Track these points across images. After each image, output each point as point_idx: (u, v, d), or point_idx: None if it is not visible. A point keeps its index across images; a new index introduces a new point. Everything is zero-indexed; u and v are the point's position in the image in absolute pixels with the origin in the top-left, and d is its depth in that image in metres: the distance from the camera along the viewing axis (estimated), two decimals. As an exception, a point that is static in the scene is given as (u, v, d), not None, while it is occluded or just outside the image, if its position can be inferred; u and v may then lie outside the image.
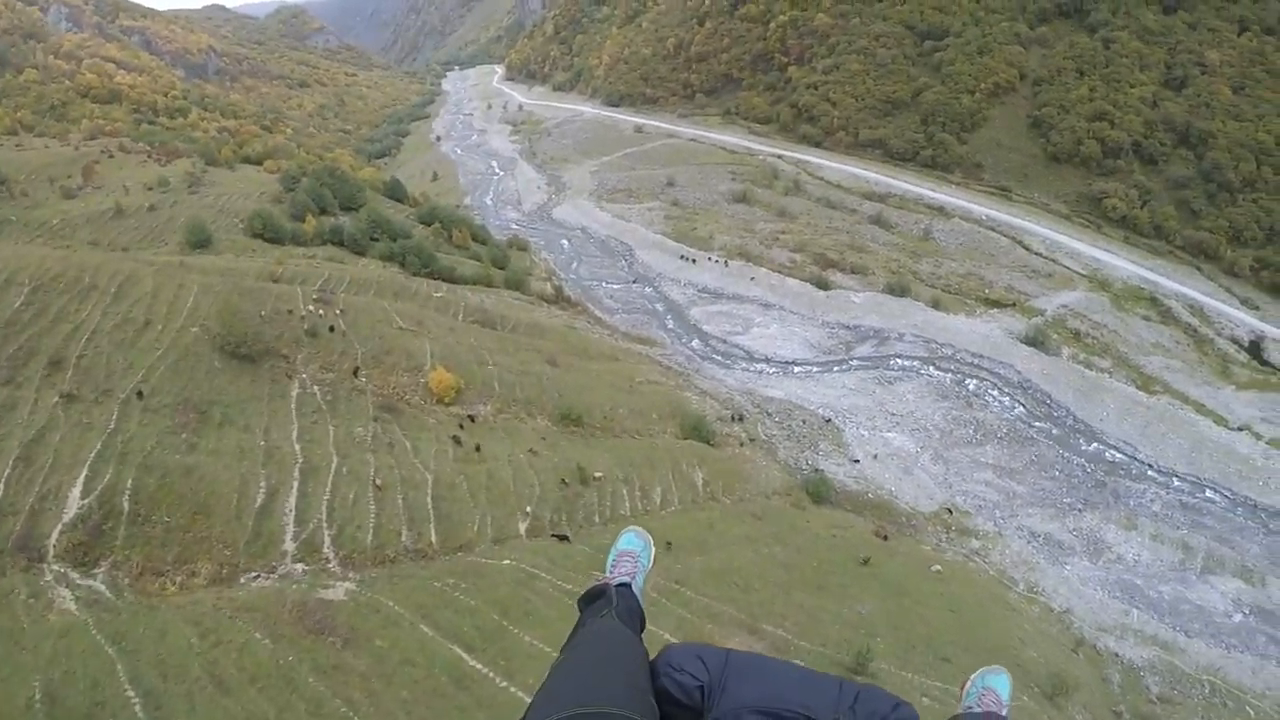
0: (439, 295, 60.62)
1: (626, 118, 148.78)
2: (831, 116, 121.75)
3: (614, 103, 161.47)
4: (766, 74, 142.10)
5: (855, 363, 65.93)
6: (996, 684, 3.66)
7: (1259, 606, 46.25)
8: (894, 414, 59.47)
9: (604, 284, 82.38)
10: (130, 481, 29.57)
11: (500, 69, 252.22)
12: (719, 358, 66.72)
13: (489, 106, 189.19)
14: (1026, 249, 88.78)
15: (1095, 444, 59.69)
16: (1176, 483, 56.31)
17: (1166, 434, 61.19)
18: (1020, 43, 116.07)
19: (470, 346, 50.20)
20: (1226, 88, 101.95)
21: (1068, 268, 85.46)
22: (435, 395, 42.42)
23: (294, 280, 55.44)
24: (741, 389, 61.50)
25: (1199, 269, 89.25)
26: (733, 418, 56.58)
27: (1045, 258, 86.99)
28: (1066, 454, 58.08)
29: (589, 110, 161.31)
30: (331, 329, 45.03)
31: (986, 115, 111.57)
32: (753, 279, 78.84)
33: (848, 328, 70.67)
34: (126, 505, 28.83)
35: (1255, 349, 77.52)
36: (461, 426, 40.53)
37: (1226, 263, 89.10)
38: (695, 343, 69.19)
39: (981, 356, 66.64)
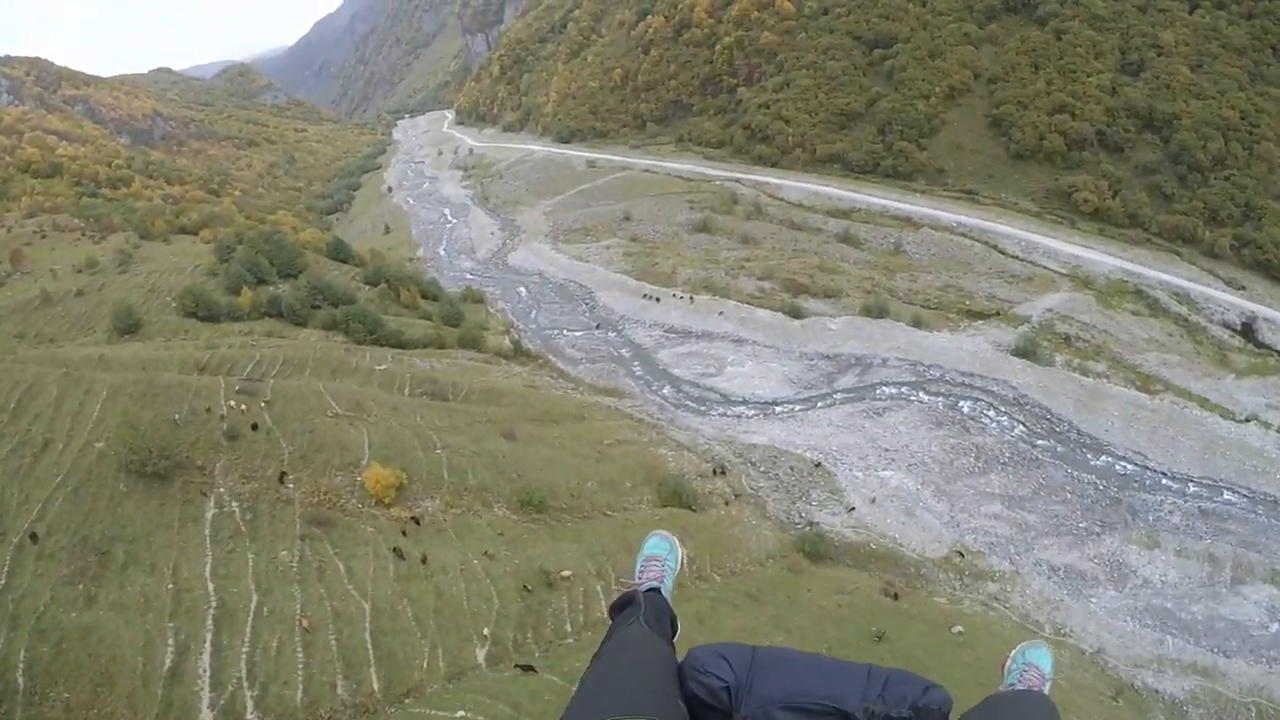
0: (382, 369, 55.75)
1: (578, 153, 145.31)
2: (786, 134, 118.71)
3: (565, 139, 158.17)
4: (716, 97, 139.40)
5: (839, 396, 61.80)
6: (1038, 658, 3.69)
7: (1294, 612, 43.04)
8: (887, 449, 55.31)
9: (565, 332, 77.97)
10: (23, 652, 25.42)
11: (450, 114, 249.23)
12: (693, 404, 62.36)
13: (440, 153, 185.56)
14: (1002, 253, 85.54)
15: (1104, 457, 56.04)
16: (1193, 488, 52.96)
17: (1175, 437, 57.75)
18: (971, 42, 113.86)
19: (416, 428, 45.34)
20: (1185, 67, 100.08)
21: (1047, 268, 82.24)
22: (373, 496, 37.54)
23: (221, 368, 50.80)
24: (720, 437, 57.13)
25: (1179, 254, 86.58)
26: (714, 471, 52.17)
27: (1023, 260, 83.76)
28: (1075, 472, 54.29)
29: (540, 149, 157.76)
30: (255, 426, 40.25)
31: (944, 119, 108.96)
32: (721, 313, 74.71)
33: (827, 357, 66.60)
34: (21, 681, 24.68)
35: (1249, 331, 75.14)
36: (405, 533, 35.67)
37: (1206, 245, 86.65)
38: (666, 389, 64.81)
39: (972, 375, 62.83)
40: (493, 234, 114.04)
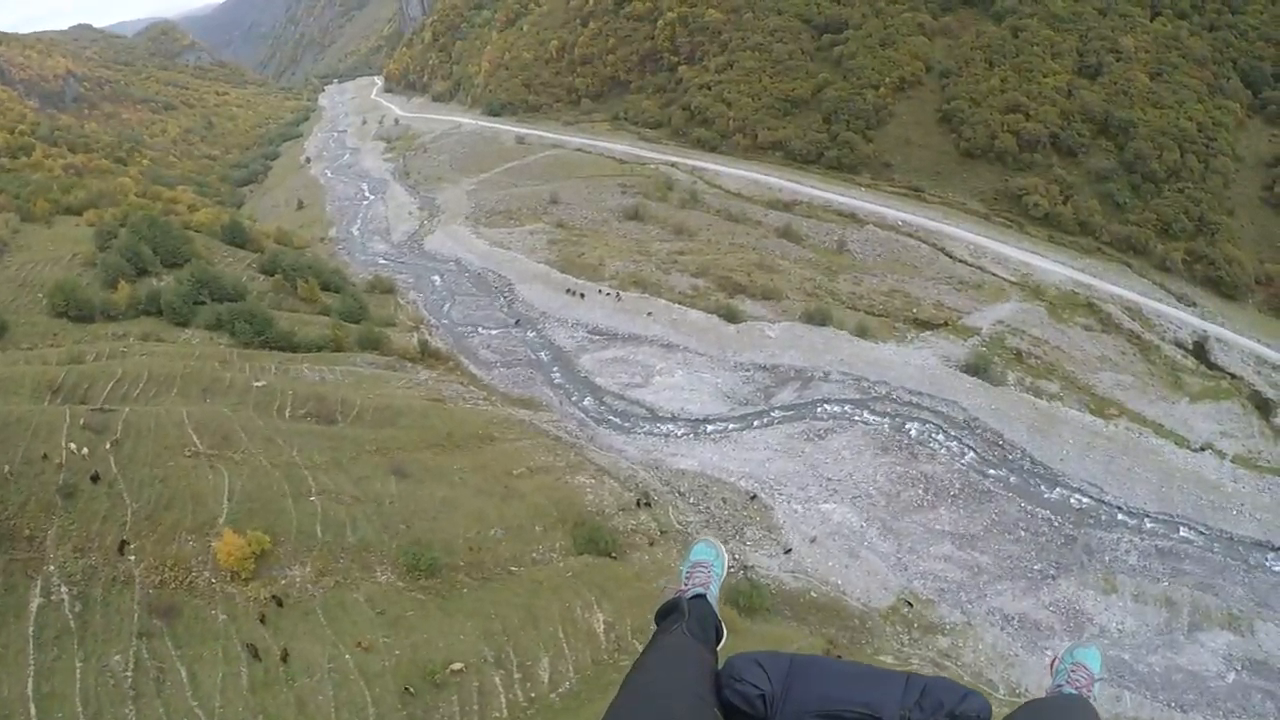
0: (260, 385, 48.00)
1: (508, 128, 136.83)
2: (727, 118, 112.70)
3: (495, 112, 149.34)
4: (656, 75, 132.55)
5: (777, 413, 56.09)
6: (1087, 658, 3.73)
7: (1250, 659, 41.57)
8: (829, 479, 49.97)
9: (480, 330, 70.66)
10: None
11: (380, 80, 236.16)
12: (616, 419, 55.98)
13: (364, 122, 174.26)
14: (950, 257, 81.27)
15: (1058, 489, 52.20)
16: (1149, 524, 49.84)
17: (1132, 468, 54.31)
18: (924, 33, 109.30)
19: (289, 468, 38.10)
20: (1143, 74, 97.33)
21: (996, 275, 78.24)
22: (227, 570, 30.28)
23: (76, 391, 43.62)
24: (646, 460, 51.05)
25: (1129, 265, 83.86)
26: (638, 503, 46.16)
27: (971, 265, 79.61)
28: (1029, 507, 50.25)
29: (468, 122, 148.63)
30: (95, 478, 33.24)
31: (893, 111, 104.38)
32: (650, 314, 68.26)
33: (765, 369, 60.80)
34: None
35: (1200, 351, 72.85)
36: (264, 619, 28.69)
37: (1157, 257, 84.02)
38: (588, 400, 58.28)
39: (920, 394, 57.96)
40: (410, 214, 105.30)
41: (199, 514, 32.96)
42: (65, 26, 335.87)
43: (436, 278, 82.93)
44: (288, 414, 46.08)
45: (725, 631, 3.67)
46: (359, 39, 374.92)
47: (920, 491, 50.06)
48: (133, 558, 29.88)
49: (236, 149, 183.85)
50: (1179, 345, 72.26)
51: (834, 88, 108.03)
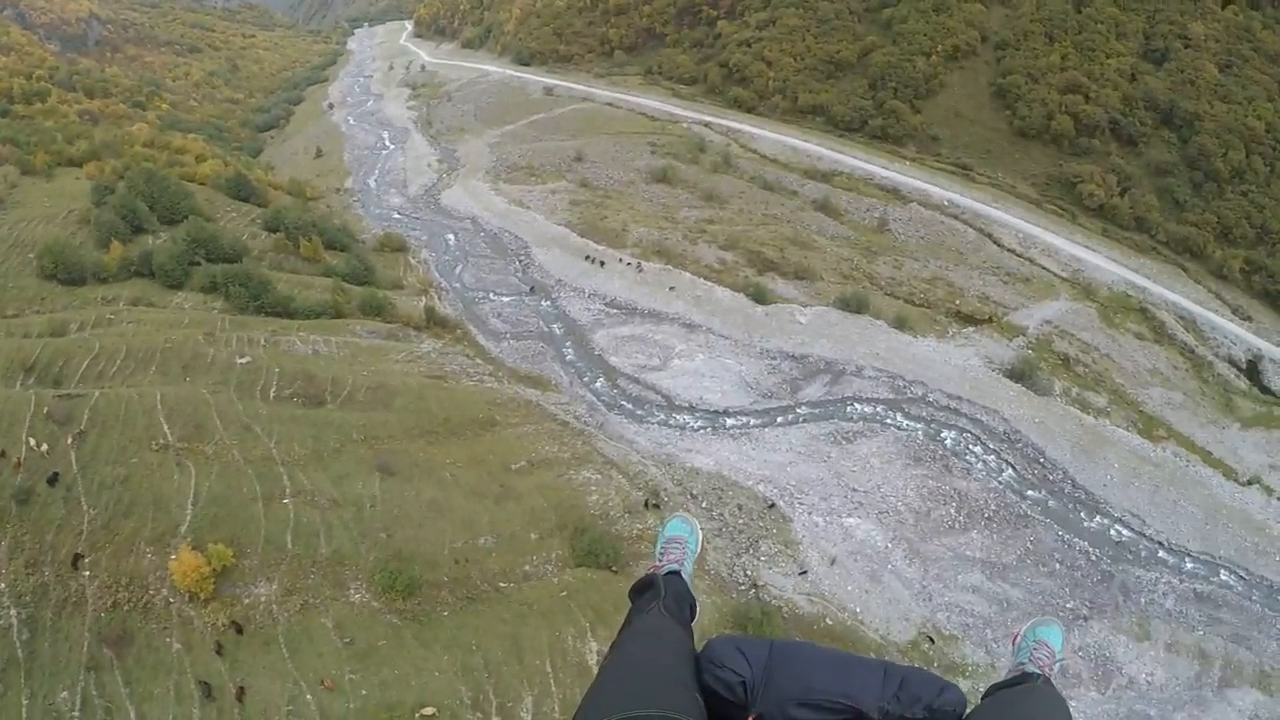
0: (245, 362, 44.23)
1: (537, 78, 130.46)
2: (766, 78, 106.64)
3: (524, 61, 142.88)
4: (694, 29, 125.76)
5: (803, 410, 51.97)
6: (1049, 636, 3.74)
7: (1275, 721, 38.43)
8: (855, 489, 46.11)
9: (491, 296, 66.44)
10: None
11: (410, 25, 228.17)
12: (629, 405, 51.98)
13: (390, 67, 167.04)
14: (998, 244, 76.24)
15: (1099, 518, 48.45)
16: (1190, 565, 46.45)
17: (1178, 501, 50.47)
18: (981, 0, 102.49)
19: (263, 464, 34.67)
20: (1212, 65, 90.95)
21: (1046, 269, 73.34)
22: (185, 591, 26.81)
23: (50, 369, 40.50)
24: (658, 454, 47.22)
25: (1185, 269, 78.93)
26: (646, 504, 42.41)
27: (1020, 256, 74.64)
28: (1067, 536, 46.57)
29: (496, 70, 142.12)
30: (53, 480, 30.02)
31: (944, 81, 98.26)
32: (673, 288, 63.78)
33: (793, 358, 56.50)
34: None
35: (1253, 371, 68.90)
36: (221, 648, 25.44)
37: (1214, 263, 79.03)
38: (600, 383, 54.22)
39: (959, 399, 53.75)
40: (429, 166, 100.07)
41: (160, 521, 29.69)
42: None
43: (450, 236, 78.39)
44: (272, 395, 42.57)
45: (699, 608, 3.75)
46: None
47: (952, 511, 46.23)
48: (87, 573, 26.88)
49: (261, 93, 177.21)
50: (1232, 363, 68.16)
51: (882, 52, 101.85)
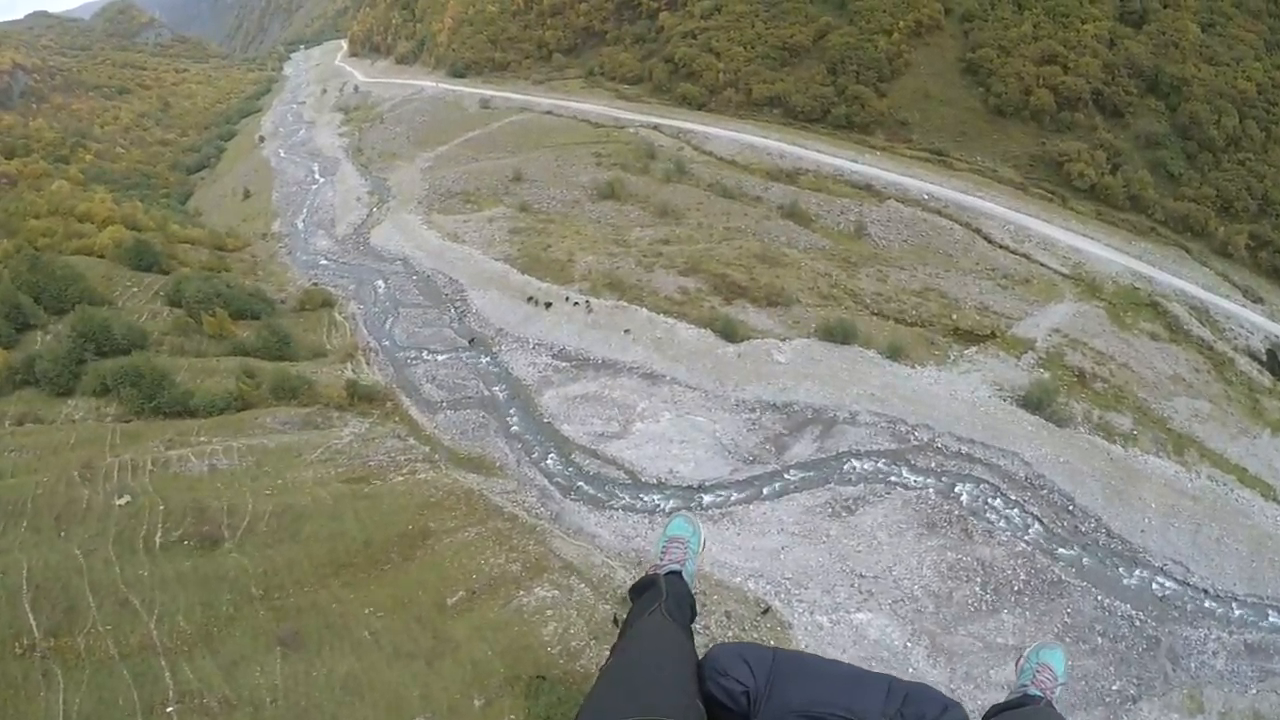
0: (124, 503, 36.97)
1: (473, 90, 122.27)
2: (716, 71, 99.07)
3: (459, 73, 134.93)
4: (634, 24, 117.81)
5: (793, 475, 44.74)
6: (1052, 659, 3.95)
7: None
8: (863, 575, 39.12)
9: (425, 355, 58.49)
10: None
11: (345, 44, 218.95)
12: (588, 487, 44.45)
13: (324, 90, 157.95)
14: (989, 241, 69.61)
15: (1138, 570, 42.23)
16: (1237, 610, 41.00)
17: (1221, 539, 44.50)
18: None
19: (140, 656, 28.46)
20: (1194, 24, 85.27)
21: (1045, 265, 66.91)
22: None
23: None
24: (625, 551, 39.97)
25: (1187, 250, 73.33)
26: (615, 620, 35.09)
27: (1015, 253, 68.06)
28: (1107, 600, 40.23)
29: (430, 85, 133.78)
30: None
31: (909, 61, 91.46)
32: (628, 331, 56.14)
33: (775, 408, 49.14)
34: None
35: (1274, 361, 63.69)
36: None
37: (1218, 241, 73.69)
38: (552, 459, 46.57)
39: (972, 442, 46.94)
40: (359, 200, 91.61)
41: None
42: (21, 15, 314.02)
43: (380, 283, 70.29)
44: (157, 542, 35.17)
45: (698, 609, 3.84)
46: (325, 1, 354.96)
47: (977, 589, 39.50)
48: None
49: (195, 130, 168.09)
50: (1252, 356, 62.80)
51: (839, 33, 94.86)
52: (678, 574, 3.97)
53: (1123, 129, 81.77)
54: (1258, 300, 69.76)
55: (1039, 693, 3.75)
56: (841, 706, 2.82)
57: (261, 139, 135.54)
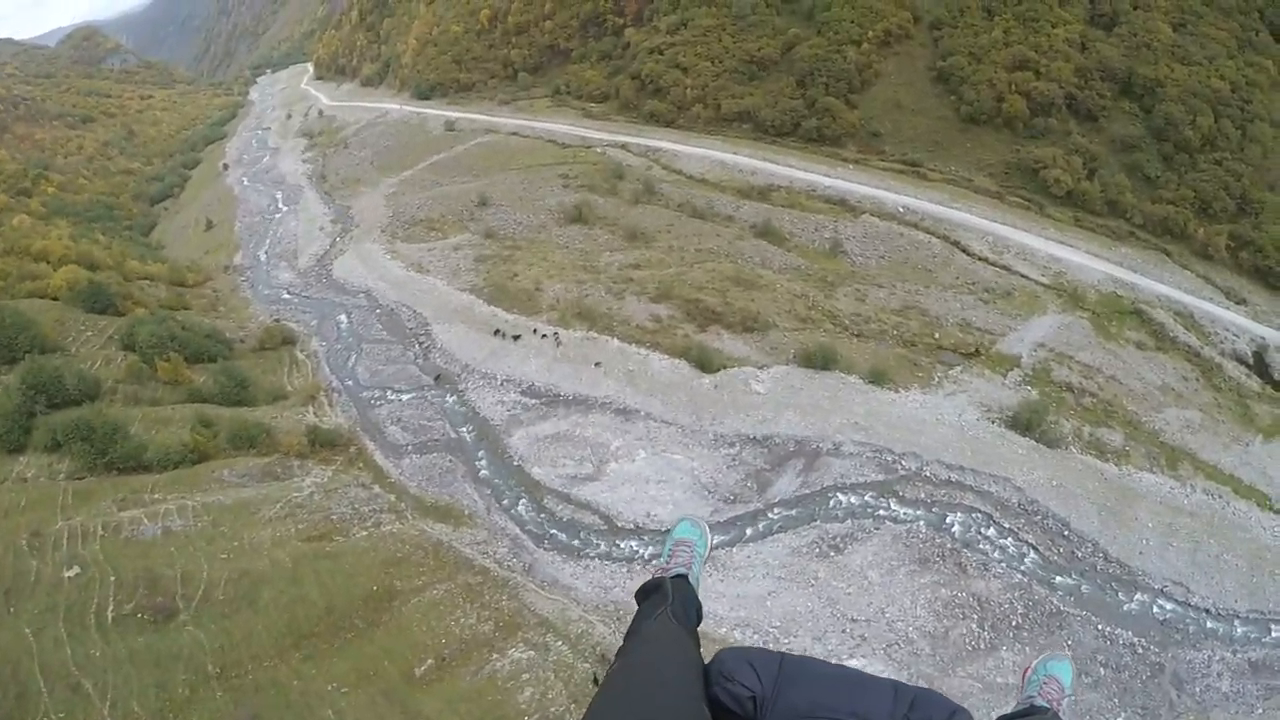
0: (73, 575, 35.27)
1: (438, 112, 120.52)
2: (684, 87, 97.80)
3: (424, 95, 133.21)
4: (600, 40, 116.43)
5: (777, 514, 43.03)
6: (1059, 671, 3.86)
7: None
8: (855, 620, 37.48)
9: (390, 394, 56.51)
10: None
11: (311, 67, 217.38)
12: (561, 534, 42.53)
13: (289, 115, 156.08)
14: (967, 253, 68.43)
15: (1139, 595, 41.04)
16: (1240, 628, 40.07)
17: (1220, 555, 43.51)
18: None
19: None
20: (1165, 25, 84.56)
21: (1025, 276, 65.79)
22: None
23: None
24: (604, 603, 38.09)
25: (1168, 253, 72.37)
26: (595, 679, 33.31)
27: (995, 265, 66.93)
28: (1108, 628, 39.09)
29: (395, 108, 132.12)
30: None
31: (879, 71, 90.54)
32: (599, 364, 54.35)
33: (755, 442, 47.40)
34: None
35: (1261, 364, 62.96)
36: None
37: (1198, 243, 72.66)
38: (523, 505, 44.62)
39: (962, 469, 45.49)
40: (321, 230, 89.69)
41: None
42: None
43: (343, 317, 68.29)
44: (110, 616, 33.46)
45: (704, 613, 3.79)
46: (292, 24, 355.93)
47: (974, 626, 37.99)
48: None
49: (160, 157, 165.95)
50: (1239, 360, 61.97)
51: (807, 45, 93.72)
52: (684, 577, 3.96)
53: (1097, 133, 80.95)
54: (1240, 302, 68.92)
55: (1046, 704, 3.71)
56: (848, 711, 2.80)
57: (225, 166, 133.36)
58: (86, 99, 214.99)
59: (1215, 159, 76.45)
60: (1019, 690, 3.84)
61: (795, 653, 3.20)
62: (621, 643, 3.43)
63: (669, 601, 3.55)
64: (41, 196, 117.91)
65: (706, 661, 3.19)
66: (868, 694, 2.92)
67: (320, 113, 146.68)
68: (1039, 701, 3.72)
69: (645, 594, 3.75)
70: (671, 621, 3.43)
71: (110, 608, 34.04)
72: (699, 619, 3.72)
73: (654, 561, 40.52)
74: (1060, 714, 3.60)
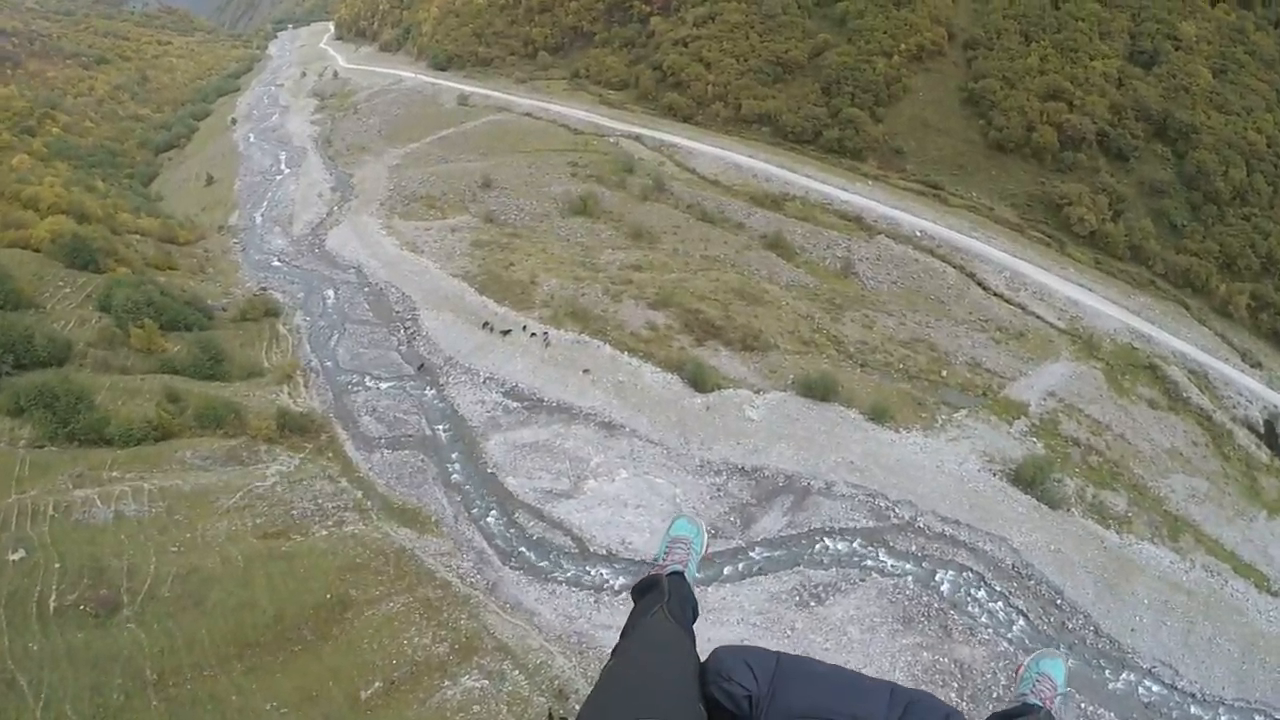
0: (18, 559, 33.89)
1: (453, 85, 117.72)
2: (705, 82, 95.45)
3: (441, 66, 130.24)
4: (624, 26, 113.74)
5: (759, 554, 41.07)
6: (1052, 669, 3.89)
7: None
8: (832, 679, 35.60)
9: (368, 381, 54.32)
10: None
11: (331, 27, 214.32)
12: (530, 553, 40.53)
13: (303, 74, 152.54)
14: (983, 287, 66.45)
15: (1125, 674, 39.44)
16: (1224, 717, 38.94)
17: (1213, 639, 42.00)
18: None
19: None
20: (1205, 69, 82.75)
21: (1041, 318, 63.88)
22: None
23: None
24: (567, 634, 36.18)
25: (1186, 307, 70.73)
26: (549, 717, 31.42)
27: (1010, 303, 64.95)
28: (1091, 708, 37.54)
29: (410, 76, 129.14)
30: None
31: (907, 86, 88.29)
32: (588, 371, 52.23)
33: (743, 473, 45.38)
34: None
35: (1271, 434, 61.50)
36: None
37: (1218, 299, 71.09)
38: (492, 517, 42.57)
39: (957, 523, 43.63)
40: (320, 196, 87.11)
41: None
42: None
43: (330, 292, 66.02)
44: (52, 606, 31.67)
45: (700, 610, 3.84)
46: None
47: (954, 695, 36.33)
48: None
49: (171, 105, 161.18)
50: (1250, 428, 60.60)
51: (836, 52, 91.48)
52: (680, 575, 3.94)
53: (1127, 174, 79.00)
54: (1256, 365, 67.35)
55: (1038, 702, 3.64)
56: (845, 712, 2.81)
57: (234, 121, 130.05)
58: (103, 39, 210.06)
59: (1244, 214, 74.77)
60: (1012, 688, 3.74)
61: (791, 655, 2.98)
62: (617, 641, 3.36)
63: (666, 599, 3.50)
64: (45, 137, 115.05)
65: (703, 660, 3.15)
66: (864, 696, 2.89)
67: (335, 74, 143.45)
68: (1032, 699, 3.66)
69: (642, 591, 3.71)
70: (668, 619, 3.39)
71: (53, 597, 32.13)
72: (695, 617, 3.72)
73: (623, 595, 38.75)
74: (1053, 712, 3.56)
